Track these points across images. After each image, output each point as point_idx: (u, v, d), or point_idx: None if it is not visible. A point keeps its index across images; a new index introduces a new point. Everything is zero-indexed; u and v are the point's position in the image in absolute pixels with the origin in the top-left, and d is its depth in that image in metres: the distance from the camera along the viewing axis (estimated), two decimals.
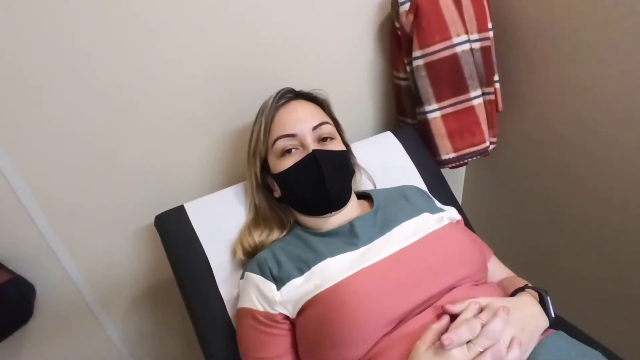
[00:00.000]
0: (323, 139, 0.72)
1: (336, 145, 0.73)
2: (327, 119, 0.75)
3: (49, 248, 0.84)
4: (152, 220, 0.83)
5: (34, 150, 0.76)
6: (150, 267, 0.97)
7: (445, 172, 1.04)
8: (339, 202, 0.72)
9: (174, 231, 0.81)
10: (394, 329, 0.57)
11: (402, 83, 1.02)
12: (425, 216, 0.72)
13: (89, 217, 0.86)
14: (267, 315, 0.64)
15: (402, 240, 0.66)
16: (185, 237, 0.80)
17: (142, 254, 0.94)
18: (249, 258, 0.74)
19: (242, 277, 0.72)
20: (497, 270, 0.78)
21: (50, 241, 0.83)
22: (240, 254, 0.75)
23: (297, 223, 0.78)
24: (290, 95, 0.76)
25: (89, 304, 0.93)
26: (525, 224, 1.23)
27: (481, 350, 0.50)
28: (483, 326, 0.52)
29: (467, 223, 0.91)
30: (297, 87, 0.79)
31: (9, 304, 0.79)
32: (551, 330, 0.60)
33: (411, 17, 0.91)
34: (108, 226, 0.88)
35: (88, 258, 0.89)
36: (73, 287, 0.90)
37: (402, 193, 0.79)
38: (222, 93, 0.88)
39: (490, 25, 0.96)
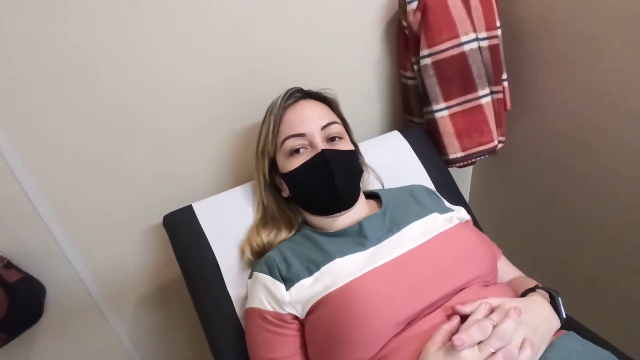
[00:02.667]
0: (332, 139, 0.72)
1: (345, 145, 0.73)
2: (336, 119, 0.75)
3: (58, 248, 0.84)
4: (161, 220, 0.83)
5: (45, 153, 0.77)
6: (158, 267, 0.97)
7: (453, 171, 1.04)
8: (348, 202, 0.71)
9: (183, 231, 0.81)
10: (404, 329, 0.57)
11: (410, 82, 1.02)
12: (434, 216, 0.71)
13: (98, 218, 0.86)
14: (276, 315, 0.64)
15: (412, 241, 0.65)
16: (194, 236, 0.80)
17: (151, 254, 0.95)
18: (257, 258, 0.74)
19: (250, 277, 0.72)
20: (507, 270, 0.78)
21: (60, 241, 0.84)
22: (248, 254, 0.76)
23: (306, 223, 0.78)
24: (299, 94, 0.76)
25: (97, 303, 0.94)
26: (534, 223, 1.22)
27: (492, 351, 0.50)
28: (494, 327, 0.52)
29: (475, 223, 0.90)
30: (305, 87, 0.79)
31: (20, 303, 0.79)
32: (562, 331, 0.59)
33: (419, 15, 0.91)
34: (117, 226, 0.89)
35: (97, 258, 0.90)
36: (82, 286, 0.90)
37: (411, 193, 0.79)
38: (230, 95, 0.88)
39: (498, 24, 0.95)
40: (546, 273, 1.06)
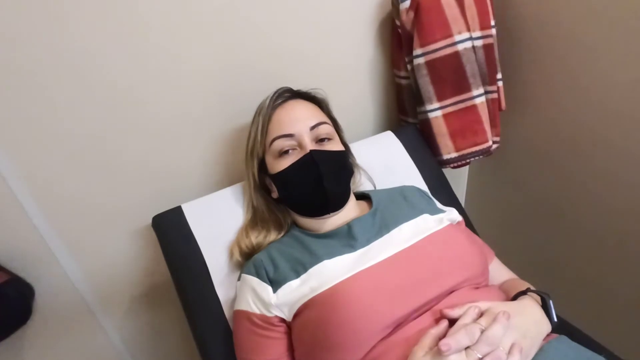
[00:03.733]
0: (321, 139, 0.71)
1: (334, 146, 0.72)
2: (326, 119, 0.74)
3: (47, 248, 0.83)
4: (151, 220, 0.82)
5: (32, 149, 0.76)
6: (149, 268, 0.96)
7: (448, 172, 1.03)
8: (337, 203, 0.71)
9: (171, 232, 0.80)
10: (391, 333, 0.56)
11: (403, 82, 1.01)
12: (425, 217, 0.70)
13: (87, 218, 0.85)
14: (263, 318, 0.63)
15: (401, 243, 0.64)
16: (183, 238, 0.79)
17: (141, 255, 0.94)
18: (246, 259, 0.74)
19: (239, 279, 0.72)
20: (499, 272, 0.77)
21: (49, 241, 0.83)
22: (237, 256, 0.75)
23: (295, 224, 0.77)
24: (288, 94, 0.75)
25: (88, 304, 0.93)
26: (528, 225, 1.21)
27: (480, 356, 0.49)
28: (482, 332, 0.51)
29: (469, 224, 0.89)
30: (297, 87, 0.78)
31: (8, 304, 0.79)
32: (554, 335, 0.58)
33: (412, 14, 0.90)
34: (107, 226, 0.88)
35: (87, 258, 0.89)
36: (72, 287, 0.89)
37: (402, 193, 0.78)
38: (222, 93, 0.87)
39: (493, 23, 0.94)
40: (540, 274, 1.05)
